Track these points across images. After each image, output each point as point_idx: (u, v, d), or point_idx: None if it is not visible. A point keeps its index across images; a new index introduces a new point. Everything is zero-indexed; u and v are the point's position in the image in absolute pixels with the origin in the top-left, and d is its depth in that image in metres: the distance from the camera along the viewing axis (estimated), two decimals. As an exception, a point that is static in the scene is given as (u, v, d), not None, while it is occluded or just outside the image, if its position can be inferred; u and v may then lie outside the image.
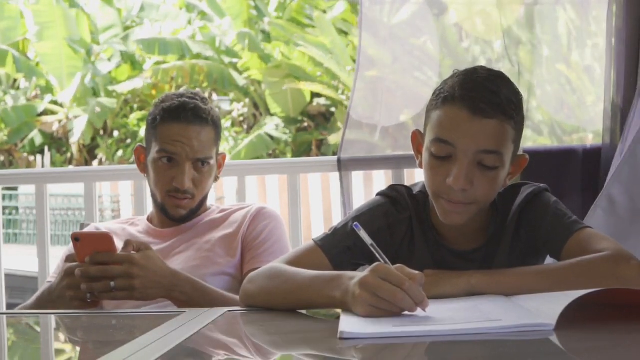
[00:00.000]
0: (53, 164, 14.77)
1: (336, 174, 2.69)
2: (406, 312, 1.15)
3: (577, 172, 2.44)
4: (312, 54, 12.19)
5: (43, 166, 14.35)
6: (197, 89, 2.00)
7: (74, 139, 14.24)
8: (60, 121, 14.76)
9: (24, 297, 3.58)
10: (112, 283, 1.52)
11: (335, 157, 2.57)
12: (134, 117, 14.74)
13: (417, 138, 1.51)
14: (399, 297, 1.13)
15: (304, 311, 1.33)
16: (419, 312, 1.15)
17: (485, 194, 1.40)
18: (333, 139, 12.28)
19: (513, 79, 1.46)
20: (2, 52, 13.07)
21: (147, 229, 1.93)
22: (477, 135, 1.36)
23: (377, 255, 1.24)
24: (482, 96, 1.35)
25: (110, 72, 14.65)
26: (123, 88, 14.28)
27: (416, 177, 2.84)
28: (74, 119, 13.99)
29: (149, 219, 1.96)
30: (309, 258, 1.45)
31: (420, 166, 1.47)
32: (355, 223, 1.28)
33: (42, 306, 1.64)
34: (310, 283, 1.30)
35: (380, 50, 2.57)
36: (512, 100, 1.38)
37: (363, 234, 1.26)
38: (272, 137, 13.41)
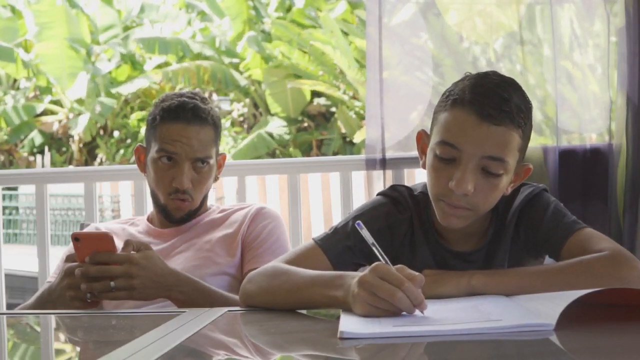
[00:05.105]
0: (53, 164, 14.77)
1: (336, 174, 2.69)
2: (405, 313, 1.14)
3: (579, 172, 2.44)
4: (325, 50, 12.12)
5: (43, 166, 14.34)
6: (197, 89, 2.00)
7: (75, 138, 14.23)
8: (60, 121, 14.76)
9: (24, 297, 3.58)
10: (112, 283, 1.52)
11: (335, 157, 2.57)
12: (134, 117, 14.74)
13: (422, 138, 1.50)
14: (397, 297, 1.12)
15: (304, 311, 1.33)
16: (417, 313, 1.14)
17: (485, 201, 1.40)
18: (358, 136, 12.17)
19: (513, 78, 1.45)
20: (6, 50, 13.07)
21: (147, 229, 1.93)
22: (484, 141, 1.35)
23: (377, 254, 1.24)
24: (492, 102, 1.34)
25: (110, 72, 14.65)
26: (127, 89, 14.28)
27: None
28: (75, 117, 13.97)
29: (149, 219, 1.96)
30: (309, 257, 1.44)
31: (424, 167, 1.46)
32: (357, 222, 1.27)
33: (42, 306, 1.64)
34: (311, 282, 1.30)
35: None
36: (522, 109, 1.37)
37: (365, 232, 1.26)
38: (272, 137, 13.40)
